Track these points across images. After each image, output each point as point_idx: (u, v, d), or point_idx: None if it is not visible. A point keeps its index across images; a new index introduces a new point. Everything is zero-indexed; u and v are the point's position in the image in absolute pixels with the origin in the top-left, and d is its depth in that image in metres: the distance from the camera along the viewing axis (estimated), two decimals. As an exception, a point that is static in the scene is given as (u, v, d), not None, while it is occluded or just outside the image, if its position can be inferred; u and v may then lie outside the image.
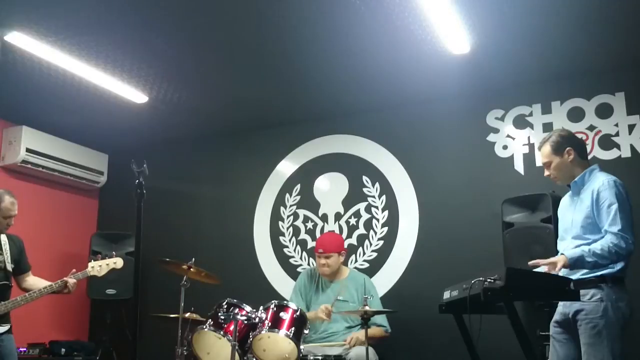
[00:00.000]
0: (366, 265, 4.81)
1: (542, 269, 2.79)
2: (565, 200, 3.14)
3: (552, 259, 2.80)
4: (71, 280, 3.56)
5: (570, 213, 3.01)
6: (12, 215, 3.62)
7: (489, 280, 2.50)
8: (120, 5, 3.38)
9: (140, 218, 2.43)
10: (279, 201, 5.30)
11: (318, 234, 5.01)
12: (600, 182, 2.86)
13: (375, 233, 4.87)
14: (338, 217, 5.03)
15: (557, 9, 3.44)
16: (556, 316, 2.98)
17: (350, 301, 4.10)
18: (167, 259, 3.92)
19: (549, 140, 3.04)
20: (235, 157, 5.57)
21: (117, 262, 3.73)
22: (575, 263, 2.75)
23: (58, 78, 4.32)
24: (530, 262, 2.84)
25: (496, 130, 4.60)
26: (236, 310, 3.50)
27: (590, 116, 4.29)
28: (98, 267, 3.66)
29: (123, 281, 5.07)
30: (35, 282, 3.72)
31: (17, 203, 3.65)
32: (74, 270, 3.64)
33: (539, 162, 4.26)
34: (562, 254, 2.85)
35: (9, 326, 3.52)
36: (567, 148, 3.00)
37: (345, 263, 4.42)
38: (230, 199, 5.51)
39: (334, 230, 4.97)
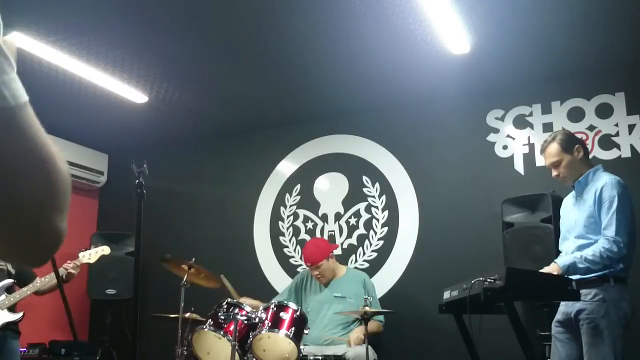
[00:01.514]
0: (366, 265, 4.81)
1: None
2: (568, 200, 3.14)
3: (545, 270, 2.81)
4: (76, 265, 3.68)
5: (574, 213, 3.00)
6: None
7: (489, 280, 2.50)
8: (120, 5, 3.38)
9: (140, 218, 2.43)
10: (279, 201, 5.29)
11: (318, 234, 5.00)
12: (604, 182, 2.86)
13: (375, 233, 4.86)
14: (338, 217, 5.02)
15: (557, 9, 3.44)
16: (558, 315, 2.98)
17: (348, 297, 4.09)
18: (168, 255, 3.94)
19: (555, 140, 3.02)
20: (235, 157, 5.57)
21: (105, 249, 3.91)
22: (567, 270, 2.76)
23: (58, 78, 4.31)
24: None
25: (496, 130, 4.59)
26: (236, 310, 3.50)
27: (590, 116, 4.29)
28: (89, 255, 3.79)
29: (123, 281, 5.07)
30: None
31: None
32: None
33: (539, 162, 4.26)
34: (555, 261, 2.86)
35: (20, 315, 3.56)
36: (576, 145, 3.00)
37: (343, 262, 4.42)
38: (230, 199, 5.50)
39: (333, 232, 4.97)
